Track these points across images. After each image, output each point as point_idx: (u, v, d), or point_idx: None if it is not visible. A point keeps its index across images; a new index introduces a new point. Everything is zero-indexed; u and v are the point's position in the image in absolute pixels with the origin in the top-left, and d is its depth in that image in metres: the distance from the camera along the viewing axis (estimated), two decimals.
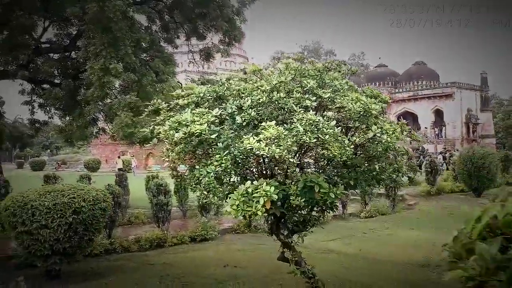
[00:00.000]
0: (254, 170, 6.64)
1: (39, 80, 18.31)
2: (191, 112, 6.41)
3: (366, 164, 6.58)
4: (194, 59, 18.36)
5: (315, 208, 6.81)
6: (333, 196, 5.88)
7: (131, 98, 13.71)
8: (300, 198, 5.92)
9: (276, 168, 6.64)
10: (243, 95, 6.48)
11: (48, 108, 20.94)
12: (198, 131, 5.90)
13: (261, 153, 5.52)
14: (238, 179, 6.83)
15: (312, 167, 7.09)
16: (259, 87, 6.07)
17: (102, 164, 54.50)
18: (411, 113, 64.85)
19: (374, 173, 6.69)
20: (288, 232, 7.05)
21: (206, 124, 5.98)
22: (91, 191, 8.58)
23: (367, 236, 12.73)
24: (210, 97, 6.80)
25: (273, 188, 5.68)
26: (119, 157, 40.21)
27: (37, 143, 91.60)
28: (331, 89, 6.12)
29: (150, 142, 6.98)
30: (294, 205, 6.61)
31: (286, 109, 6.09)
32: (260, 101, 5.93)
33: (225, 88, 6.68)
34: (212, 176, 5.91)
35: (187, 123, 6.16)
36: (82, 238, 8.44)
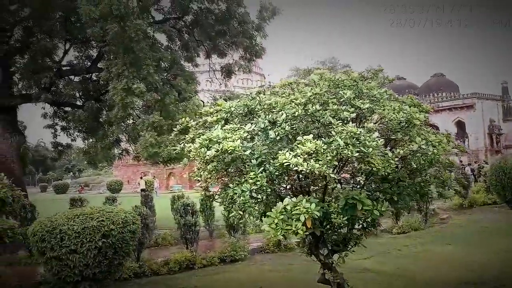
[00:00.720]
0: (288, 187, 6.34)
1: (62, 102, 18.37)
2: (221, 129, 6.17)
3: (408, 178, 6.22)
4: (216, 76, 18.28)
5: (356, 226, 6.48)
6: (377, 214, 5.54)
7: (154, 117, 13.60)
8: (341, 216, 5.59)
9: (311, 184, 6.34)
10: (275, 109, 6.21)
11: (70, 131, 21.11)
12: (231, 148, 5.64)
13: (300, 168, 5.22)
14: (271, 197, 6.57)
15: (349, 182, 6.77)
16: (293, 100, 5.79)
17: (124, 185, 54.77)
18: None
19: (417, 187, 6.34)
20: (328, 252, 6.69)
21: (239, 140, 5.72)
22: (119, 213, 8.36)
23: (402, 253, 12.21)
24: (241, 112, 6.55)
25: (313, 205, 5.36)
26: (141, 178, 40.27)
27: (59, 166, 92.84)
28: (368, 99, 5.81)
29: (181, 162, 6.73)
30: (334, 224, 6.34)
31: (322, 122, 5.79)
32: (295, 115, 5.64)
33: (257, 102, 6.42)
34: (247, 195, 5.62)
35: (219, 140, 5.91)
36: (112, 262, 8.20)
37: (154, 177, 48.02)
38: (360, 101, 5.69)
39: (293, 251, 13.14)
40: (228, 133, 5.98)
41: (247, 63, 16.55)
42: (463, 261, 11.09)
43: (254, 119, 6.61)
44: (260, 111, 6.52)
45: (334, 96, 5.88)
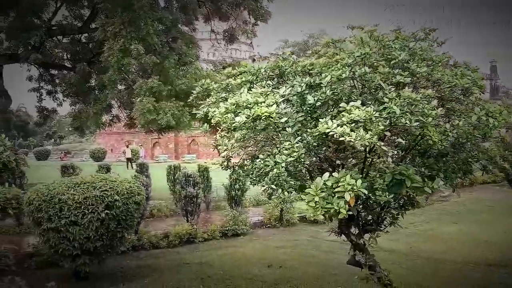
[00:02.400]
0: (323, 160, 5.71)
1: (50, 64, 17.30)
2: (249, 92, 5.47)
3: (452, 153, 5.64)
4: (218, 41, 17.33)
5: (391, 205, 5.92)
6: (429, 191, 4.95)
7: (153, 81, 12.73)
8: (387, 193, 4.99)
9: (351, 157, 5.72)
10: (312, 71, 5.52)
11: (57, 95, 20.09)
12: (265, 113, 4.95)
13: (347, 139, 4.57)
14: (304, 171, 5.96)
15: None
16: (339, 60, 5.10)
17: (108, 153, 53.62)
18: None
19: (461, 163, 5.77)
20: (359, 231, 6.13)
21: (274, 105, 5.02)
22: (123, 183, 7.65)
23: (410, 231, 11.79)
24: (271, 75, 5.85)
25: (359, 181, 4.74)
26: (127, 146, 39.26)
27: (39, 132, 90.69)
28: (424, 63, 5.14)
29: (201, 129, 6.01)
30: (368, 201, 5.76)
31: (370, 87, 5.13)
32: (342, 77, 4.95)
33: (291, 63, 5.71)
34: (282, 167, 4.97)
35: (248, 105, 5.21)
36: (114, 235, 7.53)
37: (141, 145, 46.99)
38: (415, 64, 5.02)
39: (295, 226, 12.70)
40: (259, 97, 5.29)
41: (251, 27, 15.66)
42: (475, 240, 10.76)
43: (285, 82, 5.94)
44: (293, 74, 5.84)
45: (382, 58, 5.21)
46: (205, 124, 6.04)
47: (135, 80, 14.22)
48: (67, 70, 18.11)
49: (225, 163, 6.16)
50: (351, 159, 5.72)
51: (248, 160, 6.09)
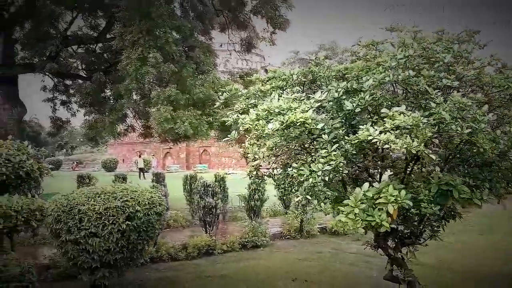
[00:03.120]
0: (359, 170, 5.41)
1: (66, 74, 17.21)
2: (281, 98, 5.19)
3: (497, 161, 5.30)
4: (235, 49, 17.14)
5: (431, 217, 5.58)
6: (479, 203, 4.63)
7: (171, 90, 12.53)
8: (432, 205, 4.67)
9: (389, 166, 5.42)
10: (348, 75, 5.24)
11: (71, 105, 20.03)
12: (300, 120, 4.67)
13: (392, 147, 4.27)
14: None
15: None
16: (381, 63, 4.82)
17: (119, 163, 53.62)
18: None
19: (505, 172, 5.43)
20: (396, 245, 5.80)
21: (310, 111, 4.75)
22: (145, 193, 7.37)
23: (438, 244, 11.35)
24: (304, 80, 5.58)
25: (403, 192, 4.43)
26: (140, 156, 39.15)
27: (51, 143, 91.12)
28: (469, 66, 4.84)
29: (229, 136, 5.74)
30: (411, 214, 5.44)
31: (414, 91, 4.83)
32: (385, 81, 4.66)
33: (325, 68, 5.43)
34: (318, 177, 4.67)
35: (281, 111, 4.94)
36: (135, 247, 7.25)
37: (153, 155, 46.92)
38: (461, 67, 4.72)
39: (316, 238, 12.36)
40: (294, 102, 5.02)
41: (270, 36, 15.44)
42: (506, 253, 10.36)
43: (319, 88, 5.67)
44: (326, 79, 5.57)
45: (424, 61, 4.92)
46: (233, 132, 5.77)
47: (151, 89, 14.05)
48: (82, 80, 18.01)
49: (254, 172, 5.87)
50: (390, 168, 5.42)
51: (277, 169, 5.81)
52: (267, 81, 5.97)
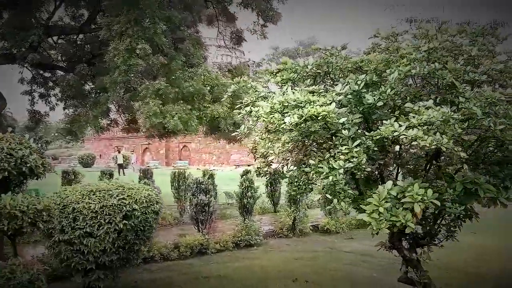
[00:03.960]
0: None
1: (47, 65, 16.57)
2: (297, 91, 4.91)
3: None
4: (225, 43, 16.75)
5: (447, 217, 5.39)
6: (505, 203, 4.46)
7: (160, 83, 12.10)
8: (457, 205, 4.47)
9: (408, 164, 5.20)
10: (367, 67, 4.99)
11: (49, 99, 19.39)
12: (322, 113, 4.40)
13: (421, 143, 4.04)
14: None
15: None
16: (406, 55, 4.58)
17: (96, 159, 52.52)
18: None
19: None
20: (411, 245, 5.59)
21: (333, 104, 4.48)
22: (141, 191, 7.01)
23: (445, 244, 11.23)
24: (318, 72, 5.31)
25: (430, 191, 4.22)
26: (119, 152, 38.32)
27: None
28: (495, 59, 4.64)
29: (238, 131, 5.44)
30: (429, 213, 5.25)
31: (439, 85, 4.61)
32: (412, 73, 4.43)
33: (342, 59, 5.17)
34: (339, 175, 4.42)
35: (299, 104, 4.67)
36: (132, 248, 6.90)
37: (133, 151, 46.11)
38: (487, 60, 4.52)
39: (309, 236, 12.15)
40: (311, 95, 4.75)
41: (261, 28, 15.09)
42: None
43: (333, 81, 5.42)
44: (341, 71, 5.31)
45: (448, 54, 4.71)
46: (243, 126, 5.47)
47: (139, 82, 13.61)
48: (63, 72, 17.39)
49: (265, 169, 5.58)
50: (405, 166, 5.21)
51: (290, 166, 5.53)
52: (277, 73, 5.67)
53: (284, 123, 4.59)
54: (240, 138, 15.80)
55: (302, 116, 4.48)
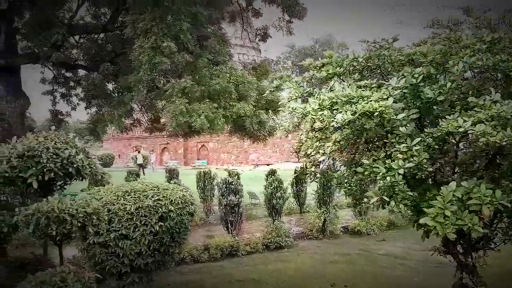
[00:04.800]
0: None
1: (71, 64, 16.49)
2: (347, 86, 4.62)
3: None
4: (249, 39, 16.48)
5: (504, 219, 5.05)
6: None
7: (186, 82, 11.87)
8: None
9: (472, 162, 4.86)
10: (423, 60, 4.68)
11: (70, 98, 19.41)
12: (379, 109, 4.10)
13: (491, 140, 3.73)
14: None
15: None
16: (470, 45, 4.26)
17: (115, 159, 52.73)
18: None
19: None
20: (466, 250, 5.26)
21: (391, 99, 4.19)
22: (176, 191, 6.79)
23: None
24: (369, 65, 5.01)
25: (498, 192, 3.90)
26: (139, 151, 38.35)
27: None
28: None
29: (281, 128, 5.17)
30: None
31: (498, 78, 4.29)
32: (479, 65, 4.11)
33: (395, 52, 4.86)
34: (399, 175, 4.11)
35: (351, 100, 4.38)
36: (167, 250, 6.67)
37: (152, 151, 46.14)
38: None
39: (340, 238, 11.82)
40: (364, 90, 4.46)
41: (288, 25, 14.78)
42: None
43: (382, 75, 5.11)
44: (392, 65, 5.00)
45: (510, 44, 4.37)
46: (286, 123, 5.19)
47: (164, 80, 13.43)
48: (86, 71, 17.32)
49: (311, 169, 5.30)
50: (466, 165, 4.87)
51: (339, 166, 5.24)
52: (321, 67, 5.39)
53: (335, 120, 4.30)
54: (265, 137, 15.67)
55: (356, 113, 4.20)
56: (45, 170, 5.13)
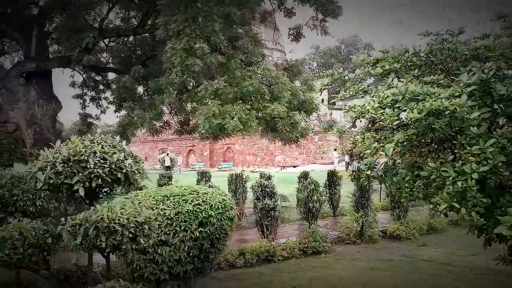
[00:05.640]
0: None
1: (102, 68, 16.51)
2: (411, 83, 4.26)
3: None
4: (282, 39, 16.13)
5: None
6: None
7: (219, 83, 11.64)
8: None
9: None
10: (492, 54, 4.28)
11: (100, 102, 19.51)
12: (451, 107, 3.73)
13: None
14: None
15: None
16: None
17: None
18: None
19: None
20: None
21: (464, 96, 3.81)
22: (216, 195, 6.52)
23: None
24: (431, 60, 4.63)
25: None
26: (167, 154, 38.43)
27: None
28: None
29: (334, 128, 4.84)
30: None
31: None
32: None
33: (462, 45, 4.47)
34: (472, 180, 3.74)
35: (416, 97, 4.02)
36: (207, 257, 6.40)
37: (179, 153, 46.22)
38: None
39: (377, 243, 11.39)
40: (431, 87, 4.09)
41: (323, 24, 14.39)
42: None
43: (442, 72, 4.73)
44: (455, 60, 4.62)
45: None
46: (336, 124, 4.85)
47: (197, 82, 13.27)
48: (117, 73, 17.30)
49: (368, 172, 4.93)
50: None
51: (391, 169, 4.87)
52: (375, 63, 5.04)
53: (399, 119, 3.95)
54: (297, 139, 15.31)
55: (422, 111, 3.84)
56: (92, 176, 4.83)
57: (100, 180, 4.91)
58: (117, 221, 3.87)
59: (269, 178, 13.77)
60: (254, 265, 9.24)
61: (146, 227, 4.25)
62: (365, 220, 11.17)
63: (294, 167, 43.28)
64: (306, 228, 11.04)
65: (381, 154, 4.36)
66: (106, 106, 19.52)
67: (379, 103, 4.18)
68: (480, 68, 4.09)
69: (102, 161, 5.03)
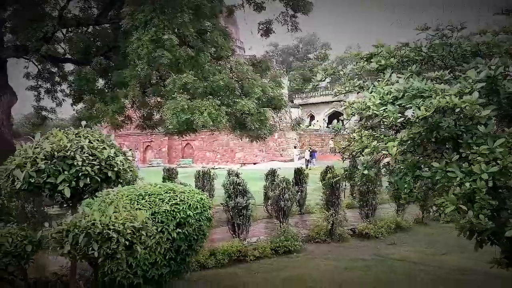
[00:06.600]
0: None
1: (60, 58, 15.69)
2: (413, 79, 4.07)
3: None
4: (252, 33, 15.85)
5: None
6: None
7: (187, 77, 11.21)
8: None
9: None
10: (495, 50, 4.15)
11: (56, 94, 18.67)
12: (462, 104, 3.55)
13: None
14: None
15: None
16: None
17: None
18: None
19: None
20: None
21: (476, 93, 3.64)
22: (193, 194, 6.16)
23: None
24: (432, 55, 4.46)
25: None
26: (130, 149, 37.33)
27: (22, 135, 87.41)
28: None
29: (332, 126, 4.59)
30: None
31: None
32: None
33: (465, 40, 4.32)
34: (482, 181, 3.57)
35: (421, 93, 3.83)
36: (183, 259, 6.04)
37: (136, 149, 45.11)
38: None
39: (348, 242, 11.31)
40: (436, 82, 3.90)
41: (293, 19, 14.16)
42: None
43: (440, 68, 4.57)
44: (457, 56, 4.46)
45: None
46: (336, 120, 4.61)
47: (154, 76, 12.81)
48: (76, 65, 16.53)
49: (365, 172, 4.70)
50: None
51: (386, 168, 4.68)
52: (369, 58, 4.83)
53: (403, 116, 3.75)
54: (265, 136, 15.08)
55: (430, 108, 3.64)
56: (80, 174, 4.29)
57: (88, 179, 4.42)
58: (111, 227, 3.44)
59: (237, 175, 13.51)
60: (225, 265, 8.92)
61: (144, 233, 3.84)
62: (335, 218, 11.05)
63: (254, 164, 43.16)
64: (274, 227, 10.81)
65: (380, 153, 4.15)
66: (62, 99, 18.71)
67: (380, 99, 3.96)
68: (487, 64, 3.94)
69: (90, 157, 4.53)
